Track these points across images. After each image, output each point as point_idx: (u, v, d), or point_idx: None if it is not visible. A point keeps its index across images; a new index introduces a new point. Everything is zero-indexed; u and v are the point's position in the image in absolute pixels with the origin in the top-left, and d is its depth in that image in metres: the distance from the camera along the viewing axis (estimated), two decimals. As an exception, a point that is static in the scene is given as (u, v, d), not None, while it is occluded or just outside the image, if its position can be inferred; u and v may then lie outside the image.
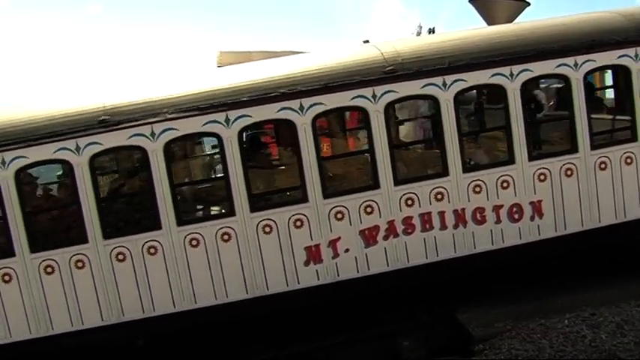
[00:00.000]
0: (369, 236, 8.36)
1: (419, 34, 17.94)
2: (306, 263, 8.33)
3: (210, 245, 8.17)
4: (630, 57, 8.64)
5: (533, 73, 8.48)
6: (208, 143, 11.47)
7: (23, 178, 8.15)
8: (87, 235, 8.06)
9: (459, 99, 8.43)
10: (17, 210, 8.00)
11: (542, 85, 10.87)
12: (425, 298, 8.89)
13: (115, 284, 8.18)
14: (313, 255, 8.31)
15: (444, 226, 8.47)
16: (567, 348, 7.49)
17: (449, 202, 8.44)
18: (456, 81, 8.32)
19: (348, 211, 8.30)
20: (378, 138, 8.27)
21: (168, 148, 8.06)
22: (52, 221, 8.44)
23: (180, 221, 8.12)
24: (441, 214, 8.45)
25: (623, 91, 9.38)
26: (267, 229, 8.21)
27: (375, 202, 8.33)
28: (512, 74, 8.41)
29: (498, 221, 8.55)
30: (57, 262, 8.09)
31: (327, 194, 8.23)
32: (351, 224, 8.32)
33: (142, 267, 8.16)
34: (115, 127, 7.97)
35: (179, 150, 9.69)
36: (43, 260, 8.08)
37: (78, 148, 7.97)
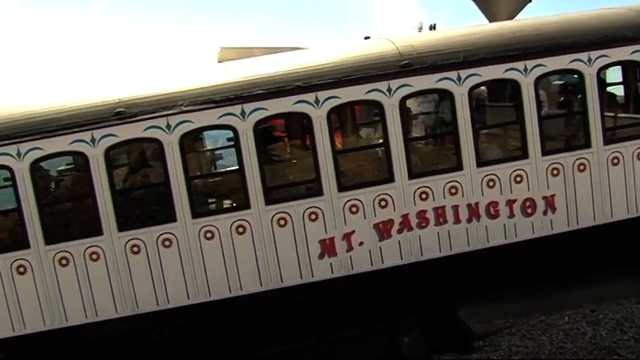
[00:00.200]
0: (383, 230, 8.38)
1: (420, 30, 17.94)
2: (321, 256, 8.35)
3: (225, 238, 8.18)
4: None
5: (547, 68, 8.50)
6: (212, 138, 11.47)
7: (38, 170, 8.16)
8: (102, 227, 8.07)
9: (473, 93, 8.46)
10: (32, 202, 8.00)
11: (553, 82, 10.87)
12: (425, 294, 8.90)
13: (129, 276, 8.18)
14: (328, 248, 8.33)
15: (457, 220, 8.50)
16: (567, 345, 7.48)
17: (463, 196, 8.46)
18: (470, 75, 8.34)
19: (363, 205, 8.32)
20: (393, 131, 8.29)
21: (183, 140, 8.07)
22: (67, 213, 8.44)
23: (195, 214, 8.13)
24: (455, 208, 8.47)
25: (634, 87, 9.41)
26: (282, 222, 8.23)
27: (390, 196, 8.35)
28: (526, 69, 8.44)
29: (512, 215, 8.58)
30: (71, 254, 8.09)
31: (341, 187, 8.24)
32: (365, 217, 8.34)
33: (156, 259, 8.17)
34: (130, 119, 7.98)
35: (195, 142, 9.71)
36: (58, 252, 8.08)
37: (93, 140, 7.97)
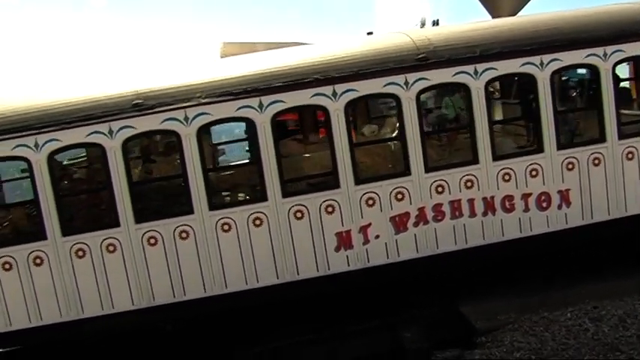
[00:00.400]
0: (399, 223, 8.41)
1: (423, 25, 17.91)
2: (337, 249, 8.37)
3: (242, 230, 8.20)
4: None
5: (562, 62, 8.53)
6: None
7: (56, 162, 8.16)
8: (119, 218, 8.07)
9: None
10: (50, 193, 8.00)
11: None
12: (428, 289, 8.93)
13: (146, 268, 8.19)
14: (344, 241, 8.35)
15: (473, 214, 8.53)
16: (570, 341, 7.48)
17: (478, 189, 8.49)
18: (487, 69, 8.36)
19: (379, 198, 8.34)
20: (409, 125, 8.31)
21: (201, 132, 8.07)
22: (84, 205, 8.44)
23: (212, 206, 8.15)
24: (471, 201, 8.50)
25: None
26: (299, 215, 8.24)
27: (406, 189, 8.37)
28: (542, 63, 8.46)
29: (527, 209, 8.61)
30: (88, 246, 8.11)
31: (358, 180, 8.26)
32: (381, 210, 8.36)
33: (173, 251, 8.18)
34: (148, 111, 7.98)
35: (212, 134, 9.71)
36: (75, 244, 8.09)
37: (111, 132, 7.98)
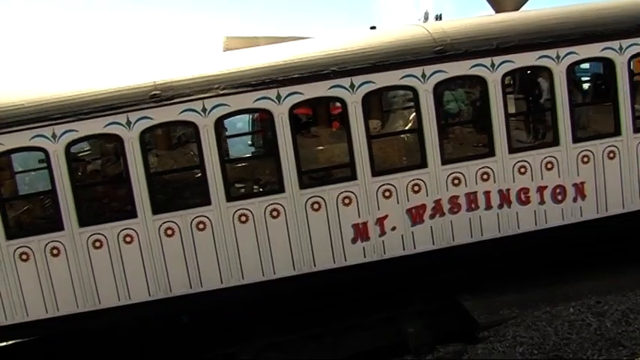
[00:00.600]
0: (415, 214, 8.43)
1: (426, 19, 17.96)
2: (354, 240, 8.39)
3: (259, 221, 8.21)
4: None
5: (579, 55, 8.57)
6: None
7: (73, 152, 8.16)
8: (136, 209, 8.08)
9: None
10: (67, 184, 8.00)
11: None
12: (431, 284, 8.89)
13: (163, 259, 8.21)
14: (361, 232, 8.38)
15: (489, 206, 8.56)
16: (572, 336, 7.45)
17: (494, 182, 8.52)
18: (504, 62, 8.38)
19: (396, 190, 8.36)
20: (426, 117, 8.33)
21: (219, 123, 8.08)
22: (102, 195, 8.45)
23: (230, 197, 8.16)
24: (487, 194, 8.53)
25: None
26: (316, 206, 8.26)
27: (423, 181, 8.40)
28: (558, 56, 8.49)
29: (542, 202, 8.65)
30: (105, 237, 8.11)
31: (375, 172, 8.28)
32: (398, 202, 8.39)
33: (190, 242, 8.19)
34: (166, 102, 7.98)
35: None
36: (92, 234, 8.10)
37: (129, 123, 7.98)
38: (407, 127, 9.13)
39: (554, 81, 8.54)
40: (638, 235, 8.99)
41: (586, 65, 9.92)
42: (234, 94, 8.02)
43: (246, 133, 11.09)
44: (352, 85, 8.16)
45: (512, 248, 8.65)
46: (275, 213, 8.23)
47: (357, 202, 8.33)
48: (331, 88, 8.15)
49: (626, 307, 7.92)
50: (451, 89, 10.11)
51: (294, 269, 8.37)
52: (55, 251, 8.10)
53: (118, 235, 8.12)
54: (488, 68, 8.39)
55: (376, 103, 10.51)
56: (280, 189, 8.21)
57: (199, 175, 8.20)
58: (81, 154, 9.38)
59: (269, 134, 8.49)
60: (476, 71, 8.41)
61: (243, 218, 8.20)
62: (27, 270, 8.08)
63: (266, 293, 8.33)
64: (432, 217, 8.48)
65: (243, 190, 8.78)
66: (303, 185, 8.22)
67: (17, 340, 8.75)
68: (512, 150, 8.51)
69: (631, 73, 8.96)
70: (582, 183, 8.71)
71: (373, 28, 10.37)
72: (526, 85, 10.54)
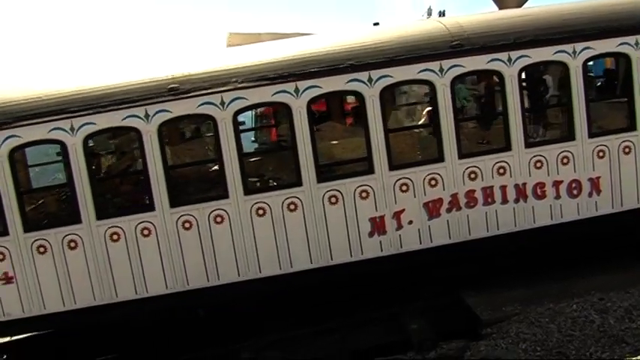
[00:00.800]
0: (432, 208, 8.45)
1: (429, 15, 18.01)
2: (371, 234, 8.41)
3: (277, 215, 8.22)
4: None
5: (595, 50, 8.59)
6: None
7: (90, 146, 8.16)
8: (154, 203, 8.08)
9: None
10: (85, 177, 8.00)
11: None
12: (433, 280, 8.98)
13: (180, 252, 8.21)
14: (378, 226, 8.39)
15: (505, 200, 8.58)
16: (575, 332, 7.42)
17: (511, 176, 8.54)
18: (520, 57, 8.40)
19: (413, 184, 8.38)
20: (444, 111, 8.35)
21: (236, 116, 8.09)
22: (119, 188, 8.45)
23: (248, 190, 8.17)
24: (503, 188, 8.55)
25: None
26: (333, 200, 8.28)
27: (440, 175, 8.42)
28: (574, 51, 8.51)
29: (558, 196, 8.67)
30: (123, 230, 8.11)
31: (392, 166, 8.30)
32: (415, 196, 8.41)
33: (208, 235, 8.19)
34: (184, 95, 7.99)
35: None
36: (109, 227, 8.10)
37: (147, 116, 7.98)
38: (421, 122, 9.14)
39: (571, 76, 8.56)
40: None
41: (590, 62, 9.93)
42: (252, 87, 8.03)
43: (253, 128, 11.07)
44: (370, 79, 8.18)
45: (528, 242, 8.68)
46: (292, 206, 8.24)
47: (375, 195, 8.34)
48: (349, 81, 8.16)
49: (629, 304, 7.91)
50: (467, 84, 10.14)
51: (312, 263, 8.37)
52: (72, 244, 8.10)
53: (135, 228, 8.12)
54: (505, 63, 8.41)
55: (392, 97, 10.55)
56: (298, 182, 8.22)
57: (217, 168, 8.20)
58: (98, 148, 9.37)
59: (285, 128, 8.49)
60: (493, 66, 8.42)
61: (260, 211, 8.21)
62: (44, 263, 8.09)
63: (284, 286, 8.34)
64: (448, 211, 8.50)
65: (264, 183, 8.78)
66: (320, 179, 8.23)
67: (34, 333, 8.77)
68: (528, 144, 8.54)
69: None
70: (598, 178, 8.74)
71: (376, 24, 10.41)
72: (536, 81, 10.64)
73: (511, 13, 9.00)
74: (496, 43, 8.37)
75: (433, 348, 7.94)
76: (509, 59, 8.40)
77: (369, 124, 8.25)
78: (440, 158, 8.41)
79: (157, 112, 7.98)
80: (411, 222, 8.44)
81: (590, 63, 9.08)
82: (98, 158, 8.97)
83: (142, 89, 8.02)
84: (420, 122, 9.07)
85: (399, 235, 8.45)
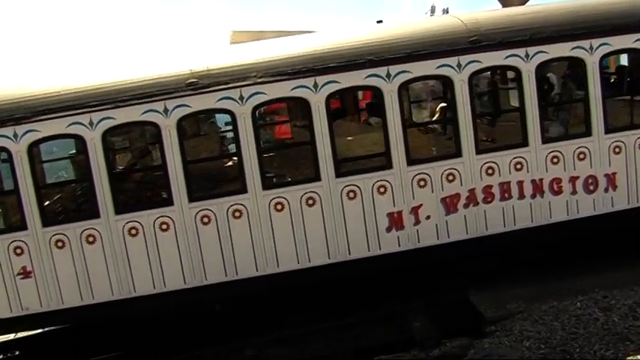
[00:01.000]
0: (450, 204, 8.47)
1: (432, 13, 17.96)
2: (388, 229, 8.42)
3: (295, 209, 8.23)
4: None
5: (611, 47, 8.61)
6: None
7: (109, 141, 8.16)
8: (172, 197, 8.09)
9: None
10: (104, 172, 8.00)
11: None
12: (437, 278, 8.99)
13: (198, 247, 8.22)
14: (395, 221, 8.41)
15: (522, 196, 8.60)
16: (579, 330, 7.39)
17: (528, 172, 8.57)
18: (538, 52, 8.42)
19: (431, 179, 8.40)
20: (461, 107, 8.37)
21: (255, 111, 8.10)
22: (137, 183, 8.46)
23: (266, 185, 8.18)
24: (520, 183, 8.58)
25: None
26: (352, 195, 8.29)
27: (457, 171, 8.44)
28: (591, 47, 8.54)
29: (574, 192, 8.70)
30: (141, 225, 8.12)
31: (410, 161, 8.32)
32: (432, 191, 8.42)
33: (226, 230, 8.20)
34: (203, 90, 7.99)
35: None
36: (127, 222, 8.10)
37: (166, 111, 7.98)
38: (438, 117, 9.15)
39: (587, 72, 8.59)
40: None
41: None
42: (271, 82, 8.04)
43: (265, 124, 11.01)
44: (388, 75, 8.19)
45: (545, 238, 8.70)
46: (311, 201, 8.25)
47: (392, 191, 8.36)
48: (368, 77, 8.18)
49: (633, 302, 7.91)
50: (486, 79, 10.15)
51: (329, 258, 8.39)
52: (90, 239, 8.10)
53: (154, 223, 8.12)
54: (522, 59, 8.43)
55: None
56: (316, 177, 8.23)
57: (236, 163, 8.20)
58: (117, 142, 9.37)
59: (300, 123, 8.49)
60: (510, 61, 8.45)
61: (279, 206, 8.21)
62: (63, 257, 8.09)
63: (301, 281, 8.35)
64: (465, 206, 8.52)
65: (282, 178, 8.80)
66: (339, 174, 8.24)
67: (51, 328, 8.77)
68: (545, 140, 8.56)
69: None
70: (614, 173, 8.77)
71: (380, 22, 10.38)
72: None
73: (527, 10, 9.02)
74: (514, 39, 8.39)
75: (437, 346, 7.93)
76: (527, 55, 8.42)
77: (387, 119, 8.27)
78: (458, 153, 8.42)
79: (175, 107, 7.98)
80: (428, 217, 8.46)
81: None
82: (117, 153, 8.95)
83: (161, 84, 8.02)
84: (439, 117, 9.04)
85: (417, 230, 8.47)
